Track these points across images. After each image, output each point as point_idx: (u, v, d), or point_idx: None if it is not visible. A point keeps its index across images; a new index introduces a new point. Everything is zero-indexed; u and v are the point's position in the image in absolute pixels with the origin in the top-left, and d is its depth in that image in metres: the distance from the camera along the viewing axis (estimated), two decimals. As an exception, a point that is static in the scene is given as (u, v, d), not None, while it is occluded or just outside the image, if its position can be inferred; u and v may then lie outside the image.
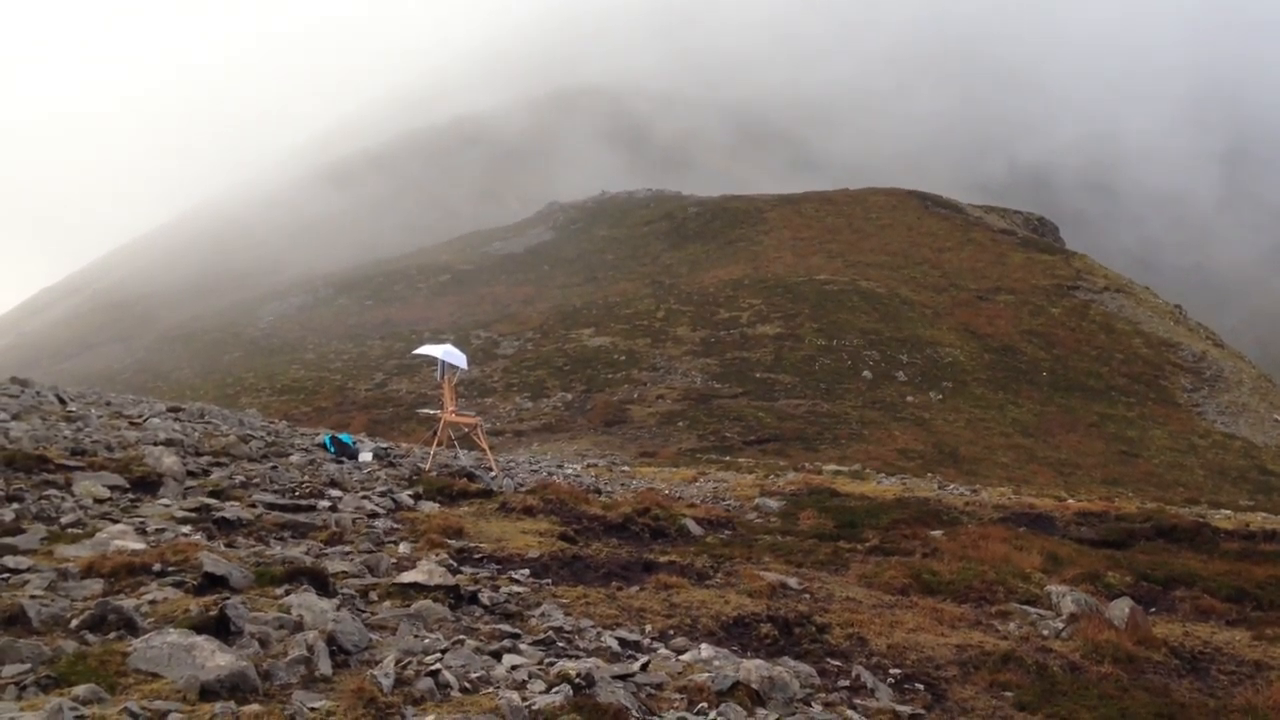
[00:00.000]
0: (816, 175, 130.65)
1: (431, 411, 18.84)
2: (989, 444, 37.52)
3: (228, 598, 6.10)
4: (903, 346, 47.52)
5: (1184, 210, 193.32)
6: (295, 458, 13.61)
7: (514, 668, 5.85)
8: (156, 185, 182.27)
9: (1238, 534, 17.22)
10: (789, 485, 20.72)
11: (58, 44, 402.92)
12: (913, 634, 8.13)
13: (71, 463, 10.10)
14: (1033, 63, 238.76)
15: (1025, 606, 9.55)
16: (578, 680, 5.61)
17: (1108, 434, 40.98)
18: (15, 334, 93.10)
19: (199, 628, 5.46)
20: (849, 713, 6.16)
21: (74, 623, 5.66)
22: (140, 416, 14.66)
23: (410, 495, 12.38)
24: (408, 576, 7.48)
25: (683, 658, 6.70)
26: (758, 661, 6.42)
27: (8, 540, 7.15)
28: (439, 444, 16.29)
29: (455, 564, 8.64)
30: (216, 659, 5.09)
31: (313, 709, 4.91)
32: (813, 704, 6.23)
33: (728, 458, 30.28)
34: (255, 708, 4.77)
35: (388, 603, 7.04)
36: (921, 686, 7.00)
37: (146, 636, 5.36)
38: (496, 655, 6.08)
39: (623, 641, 6.95)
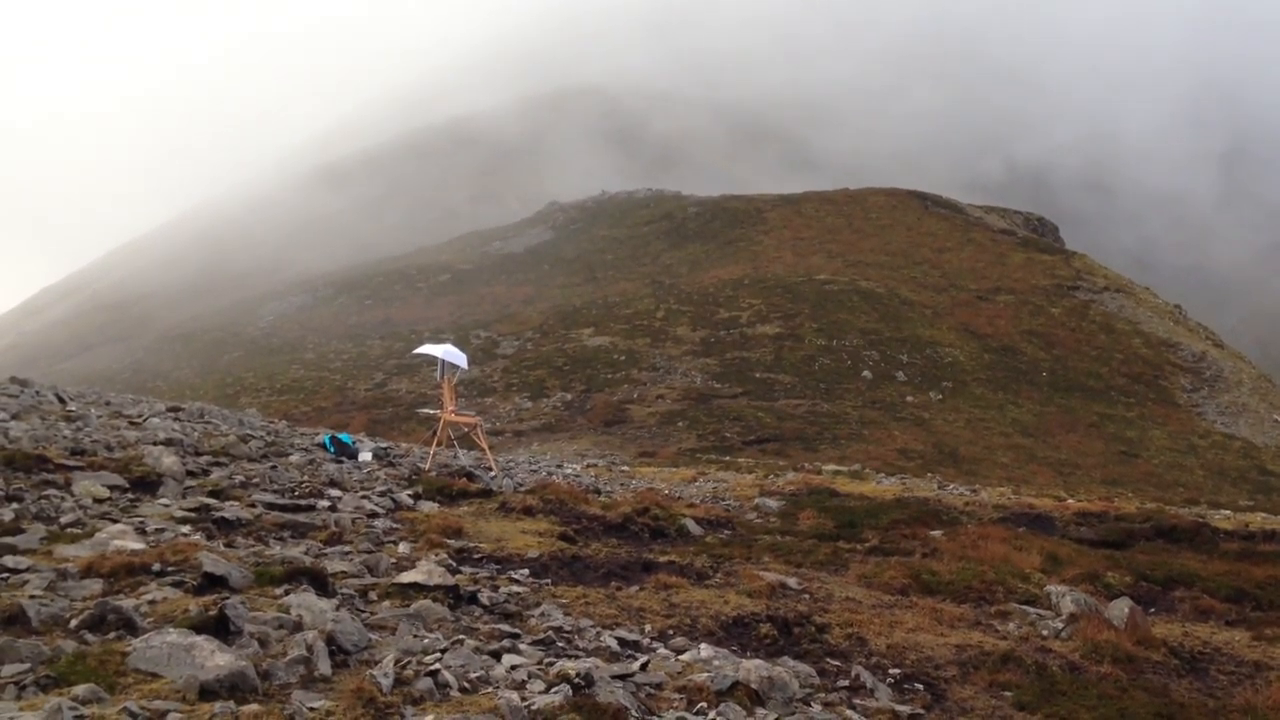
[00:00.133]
0: (815, 175, 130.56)
1: (431, 411, 18.83)
2: (989, 444, 37.52)
3: (227, 597, 6.10)
4: (903, 346, 47.53)
5: (1183, 210, 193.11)
6: (295, 457, 13.61)
7: (513, 668, 5.85)
8: (156, 185, 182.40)
9: (1237, 534, 17.24)
10: (788, 485, 20.71)
11: (58, 44, 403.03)
12: (912, 634, 8.13)
13: (71, 462, 10.09)
14: (1032, 62, 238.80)
15: (1025, 606, 9.55)
16: (577, 680, 5.61)
17: (1107, 434, 40.99)
18: (15, 334, 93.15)
19: (198, 627, 5.46)
20: (848, 713, 6.16)
21: (73, 622, 5.66)
22: (140, 416, 14.66)
23: (410, 495, 12.38)
24: (407, 576, 7.49)
25: (682, 657, 6.70)
26: (757, 661, 6.42)
27: (7, 540, 7.15)
28: (439, 444, 16.29)
29: (455, 564, 8.64)
30: (216, 659, 5.09)
31: (312, 709, 4.91)
32: (812, 704, 6.23)
33: (727, 458, 30.28)
34: (254, 707, 4.78)
35: (387, 603, 7.04)
36: (921, 686, 7.00)
37: (146, 636, 5.36)
38: (496, 655, 6.08)
39: (622, 641, 6.95)
